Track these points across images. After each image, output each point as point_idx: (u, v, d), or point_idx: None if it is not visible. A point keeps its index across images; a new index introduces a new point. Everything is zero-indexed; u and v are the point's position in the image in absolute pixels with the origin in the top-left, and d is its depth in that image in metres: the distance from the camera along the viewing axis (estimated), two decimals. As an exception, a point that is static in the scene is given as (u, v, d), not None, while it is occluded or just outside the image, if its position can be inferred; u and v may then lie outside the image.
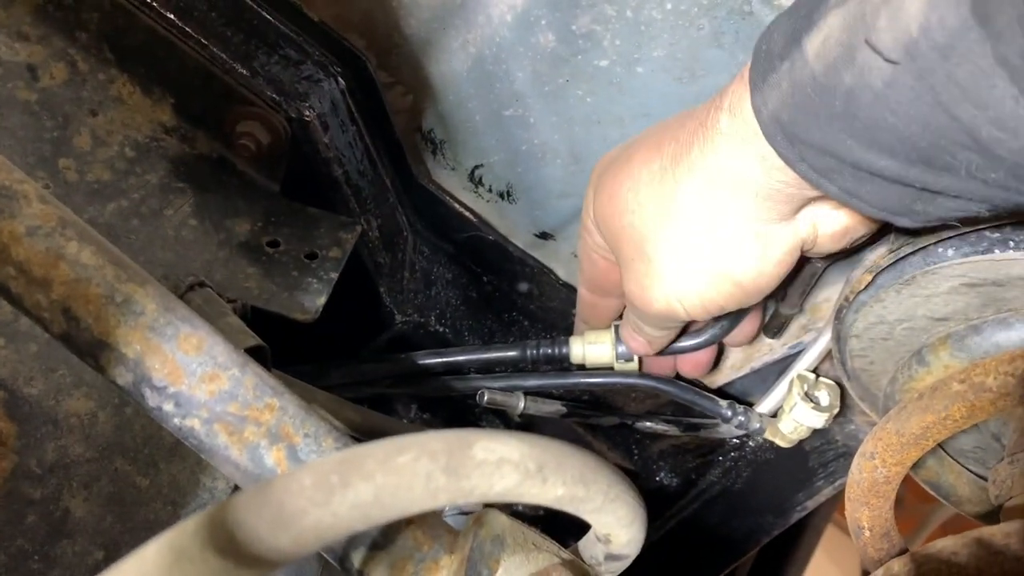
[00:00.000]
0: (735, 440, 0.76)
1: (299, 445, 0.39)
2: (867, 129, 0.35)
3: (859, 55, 0.34)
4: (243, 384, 0.38)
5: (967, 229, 0.47)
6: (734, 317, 0.60)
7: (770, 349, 0.70)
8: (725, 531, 0.80)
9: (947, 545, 0.44)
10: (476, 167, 0.69)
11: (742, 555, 0.83)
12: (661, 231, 0.46)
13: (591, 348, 0.63)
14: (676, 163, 0.45)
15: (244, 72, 0.58)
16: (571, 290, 0.71)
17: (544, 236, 0.72)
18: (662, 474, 0.81)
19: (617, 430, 0.79)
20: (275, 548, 0.24)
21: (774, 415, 0.65)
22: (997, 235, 0.46)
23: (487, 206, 0.71)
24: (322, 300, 0.57)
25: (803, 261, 0.51)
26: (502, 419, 0.76)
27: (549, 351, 0.64)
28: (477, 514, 0.40)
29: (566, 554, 0.42)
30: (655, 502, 0.82)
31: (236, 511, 0.23)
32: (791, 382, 0.62)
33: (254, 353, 0.47)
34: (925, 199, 0.37)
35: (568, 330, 0.70)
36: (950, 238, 0.48)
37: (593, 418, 0.74)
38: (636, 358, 0.62)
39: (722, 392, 0.74)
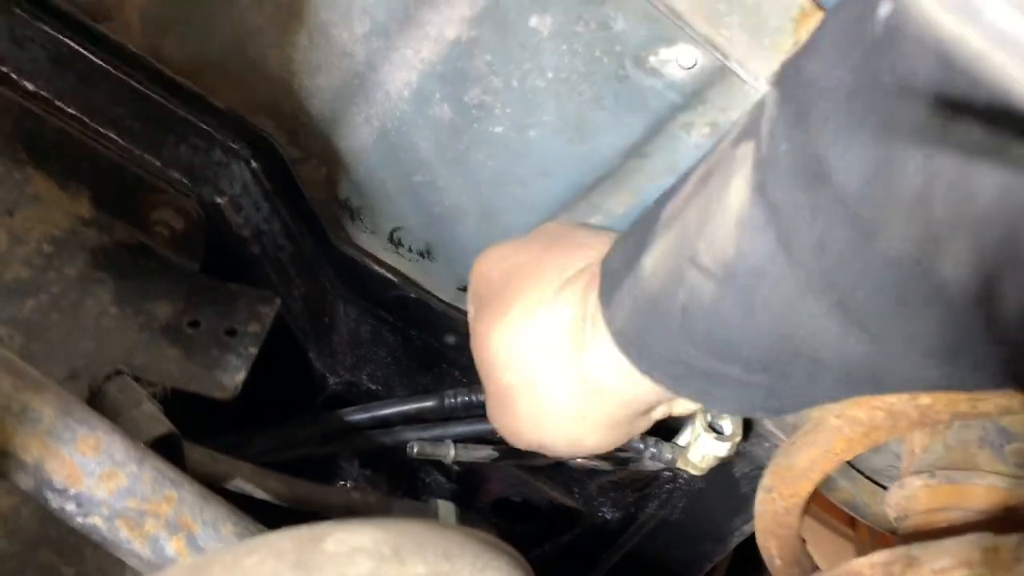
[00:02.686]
0: (667, 472, 0.78)
1: (198, 533, 0.41)
2: (706, 342, 0.37)
3: (687, 275, 0.36)
4: (141, 479, 0.41)
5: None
6: None
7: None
8: (668, 561, 0.83)
9: (824, 578, 0.46)
10: (394, 230, 0.72)
11: (688, 583, 0.85)
12: (531, 400, 0.47)
13: None
14: (553, 351, 0.45)
15: (154, 162, 0.60)
16: (496, 341, 0.74)
17: (466, 289, 0.75)
18: (604, 509, 0.83)
19: (555, 469, 0.81)
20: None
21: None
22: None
23: (409, 265, 0.74)
24: (241, 376, 0.59)
25: None
26: (440, 469, 0.79)
27: (467, 398, 0.67)
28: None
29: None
30: (600, 537, 0.85)
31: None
32: (695, 414, 0.64)
33: (165, 441, 0.49)
34: (776, 396, 0.38)
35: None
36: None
37: (526, 459, 0.76)
38: None
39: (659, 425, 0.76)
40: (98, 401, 0.52)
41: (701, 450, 0.64)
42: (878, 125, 0.28)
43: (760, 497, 0.57)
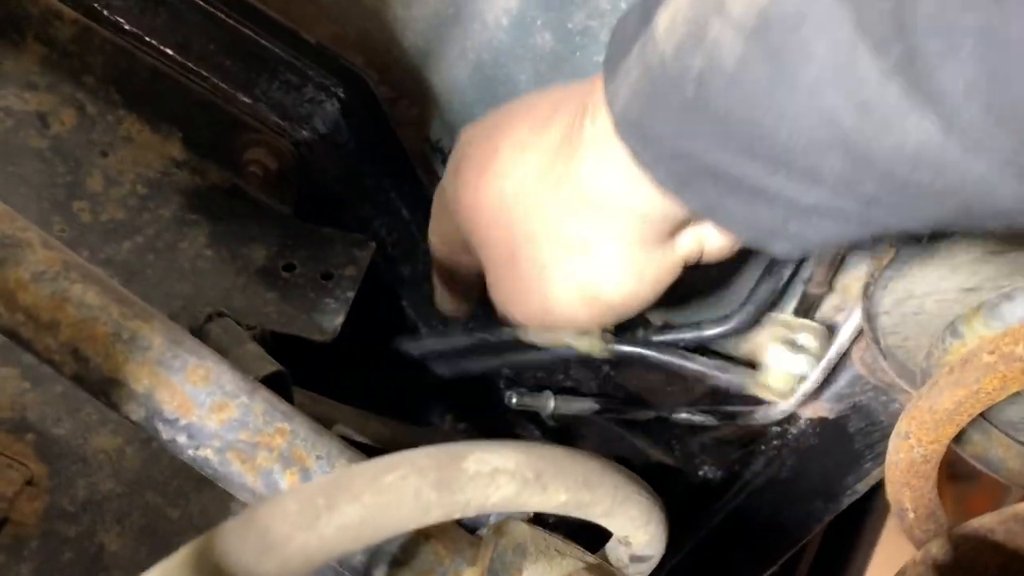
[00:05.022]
0: (776, 428, 0.74)
1: (312, 467, 0.39)
2: (721, 122, 0.30)
3: (710, 31, 0.29)
4: (252, 411, 0.39)
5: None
6: None
7: (804, 332, 0.69)
8: (776, 521, 0.79)
9: (985, 522, 0.42)
10: (488, 174, 0.69)
11: (795, 544, 0.81)
12: (533, 248, 0.41)
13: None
14: (545, 174, 0.39)
15: (246, 100, 0.59)
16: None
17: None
18: (705, 468, 0.80)
19: (655, 425, 0.78)
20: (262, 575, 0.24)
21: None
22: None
23: (503, 211, 0.71)
24: (340, 319, 0.57)
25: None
26: (536, 424, 0.76)
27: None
28: (497, 523, 0.40)
29: (592, 558, 0.41)
30: (701, 496, 0.81)
31: (222, 541, 0.24)
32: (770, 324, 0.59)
33: (273, 379, 0.47)
34: (798, 218, 0.31)
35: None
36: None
37: (627, 413, 0.73)
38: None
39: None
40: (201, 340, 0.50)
41: (774, 366, 0.58)
42: None
43: (894, 444, 0.52)
